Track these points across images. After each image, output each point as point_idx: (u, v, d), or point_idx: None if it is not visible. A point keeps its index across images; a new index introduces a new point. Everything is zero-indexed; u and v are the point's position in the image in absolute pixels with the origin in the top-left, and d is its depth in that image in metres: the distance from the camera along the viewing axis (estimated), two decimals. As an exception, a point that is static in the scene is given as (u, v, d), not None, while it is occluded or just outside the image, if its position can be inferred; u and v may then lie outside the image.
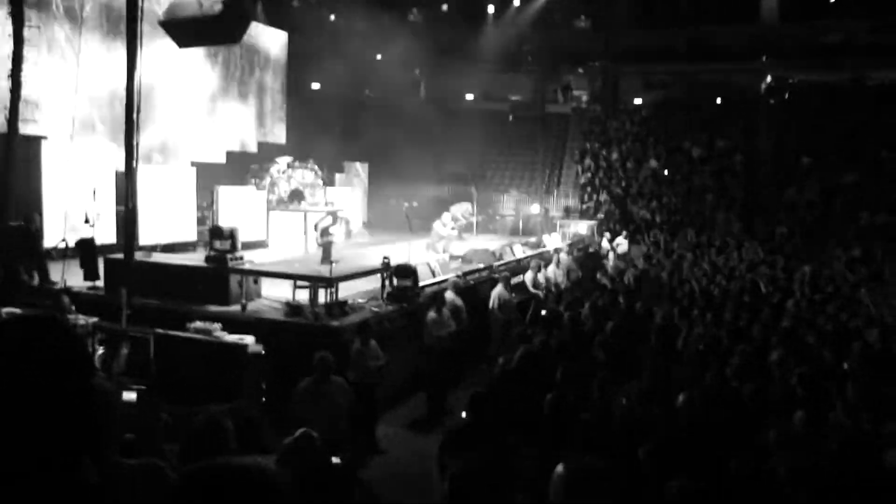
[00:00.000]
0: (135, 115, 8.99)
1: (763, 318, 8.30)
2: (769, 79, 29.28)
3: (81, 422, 1.43)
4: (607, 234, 20.37)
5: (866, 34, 26.73)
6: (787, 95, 28.50)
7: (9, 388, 1.37)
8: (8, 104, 11.73)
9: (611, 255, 17.93)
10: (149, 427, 3.92)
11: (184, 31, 8.90)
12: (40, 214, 11.87)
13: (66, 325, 1.67)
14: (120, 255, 9.74)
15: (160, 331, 7.66)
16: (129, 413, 4.14)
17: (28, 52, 12.05)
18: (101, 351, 7.57)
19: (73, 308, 8.29)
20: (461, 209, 19.44)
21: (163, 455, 3.70)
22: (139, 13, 8.89)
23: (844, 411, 4.89)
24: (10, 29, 11.94)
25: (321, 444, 3.91)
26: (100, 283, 10.05)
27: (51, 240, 11.45)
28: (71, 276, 10.00)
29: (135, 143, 9.05)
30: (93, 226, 10.56)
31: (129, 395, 6.06)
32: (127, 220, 9.50)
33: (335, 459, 4.01)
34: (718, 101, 28.92)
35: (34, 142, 12.96)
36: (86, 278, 10.10)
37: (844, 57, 26.95)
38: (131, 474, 1.63)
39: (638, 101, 30.29)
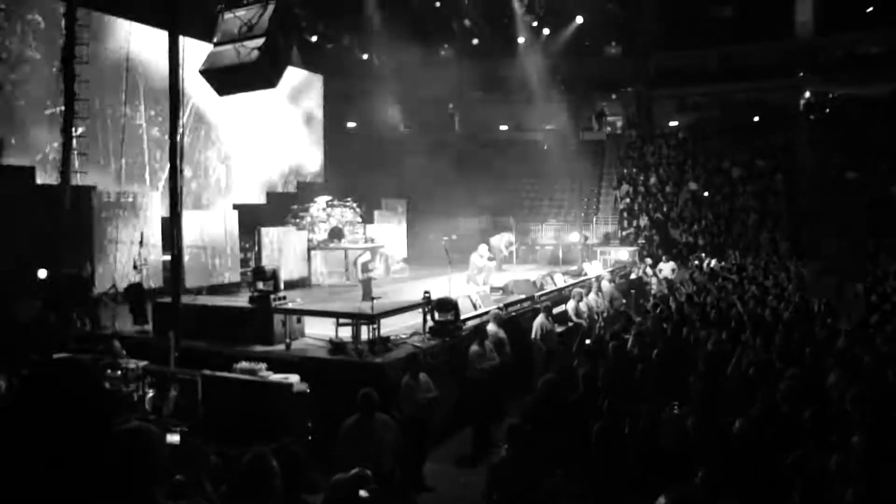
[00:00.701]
0: (178, 162, 9.28)
1: (816, 340, 8.04)
2: (807, 94, 28.78)
3: (104, 462, 1.46)
4: (648, 260, 20.08)
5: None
6: (826, 110, 27.94)
7: (30, 429, 1.41)
8: (60, 156, 12.23)
9: (654, 280, 17.65)
10: (193, 468, 3.95)
11: (223, 79, 9.18)
12: (91, 261, 12.25)
13: (87, 367, 1.72)
14: (167, 299, 9.97)
15: (207, 372, 7.78)
16: (175, 455, 4.18)
17: (79, 106, 12.57)
18: (150, 394, 7.71)
19: (124, 352, 8.48)
20: (503, 240, 19.42)
21: (208, 496, 3.72)
22: (180, 62, 9.24)
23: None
24: (61, 85, 12.49)
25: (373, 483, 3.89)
26: (148, 326, 10.28)
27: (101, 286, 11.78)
28: (121, 321, 10.25)
29: (179, 188, 9.32)
30: (141, 271, 10.84)
31: (173, 437, 6.15)
32: (173, 265, 9.74)
33: (363, 493, 3.97)
34: (756, 119, 28.50)
35: (84, 191, 13.44)
36: (135, 322, 10.35)
37: (884, 68, 26.35)
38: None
39: (673, 123, 30.06)
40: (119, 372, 7.84)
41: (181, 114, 9.36)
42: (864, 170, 24.01)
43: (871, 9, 27.05)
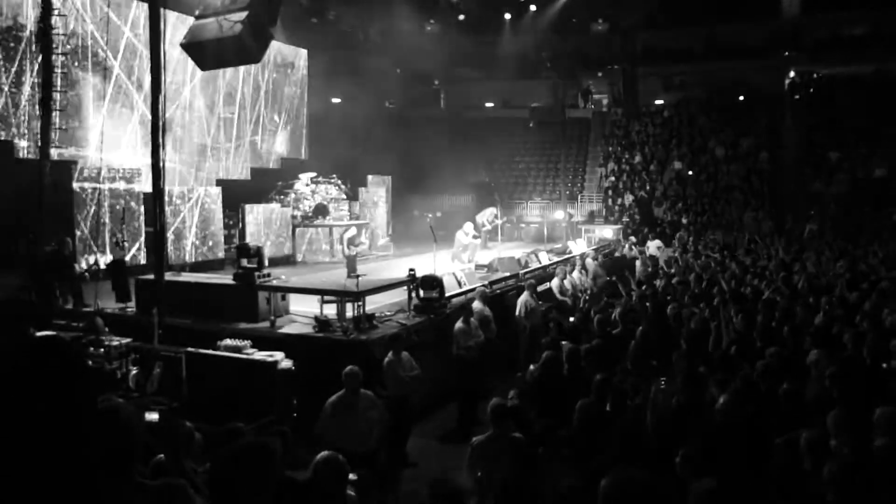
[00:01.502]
0: (160, 137, 9.14)
1: (797, 318, 8.13)
2: (792, 74, 28.86)
3: (87, 440, 1.45)
4: (632, 238, 20.18)
5: (892, 24, 26.21)
6: (811, 90, 28.06)
7: (15, 408, 1.39)
8: (38, 131, 12.00)
9: (638, 258, 17.75)
10: (173, 446, 3.94)
11: (205, 53, 9.03)
12: (72, 238, 12.11)
13: (70, 345, 1.71)
14: (150, 276, 9.90)
15: (191, 350, 7.76)
16: (154, 433, 4.18)
17: (58, 80, 12.33)
18: (134, 371, 7.68)
19: (107, 330, 8.43)
20: (486, 215, 19.42)
21: (189, 475, 3.72)
22: (162, 33, 9.06)
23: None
24: (38, 56, 12.23)
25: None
26: (132, 304, 10.21)
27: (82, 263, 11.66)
28: (103, 298, 10.17)
29: (161, 164, 9.19)
30: (122, 248, 10.74)
31: (152, 415, 6.14)
32: (156, 241, 9.65)
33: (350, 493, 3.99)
34: (741, 98, 28.58)
35: (64, 167, 13.23)
36: (118, 300, 10.28)
37: (870, 48, 26.46)
38: (153, 494, 1.65)
39: (659, 102, 30.07)
40: (102, 349, 7.79)
41: (163, 87, 9.18)
42: (847, 150, 24.20)
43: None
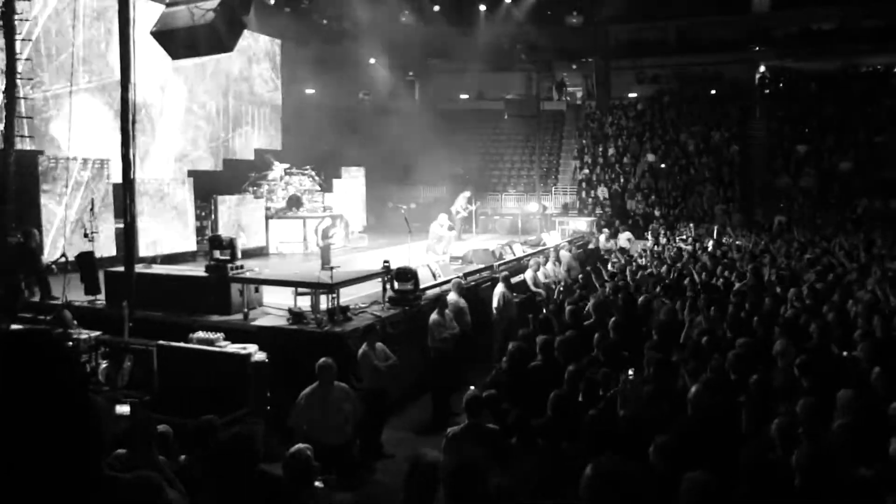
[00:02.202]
0: (130, 126, 8.99)
1: (765, 309, 8.29)
2: (762, 68, 29.28)
3: (77, 438, 1.43)
4: (606, 230, 20.36)
5: (859, 19, 26.71)
6: (780, 84, 28.50)
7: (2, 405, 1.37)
8: (3, 119, 11.71)
9: (612, 250, 17.92)
10: (144, 440, 3.89)
11: (176, 41, 8.89)
12: (39, 230, 11.86)
13: (60, 341, 1.67)
14: (120, 268, 9.74)
15: (163, 343, 7.66)
16: (125, 426, 4.12)
17: (22, 66, 12.03)
18: (104, 365, 7.57)
19: (75, 323, 8.29)
20: (460, 201, 19.42)
21: (159, 468, 3.69)
22: (131, 19, 8.88)
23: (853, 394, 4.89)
24: (1, 42, 11.91)
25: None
26: (101, 296, 10.04)
27: (50, 254, 11.44)
28: (72, 291, 9.99)
29: (132, 154, 9.04)
30: (92, 240, 10.56)
31: (123, 409, 6.07)
32: (126, 233, 9.49)
33: (318, 483, 4.00)
34: (713, 92, 28.93)
35: (30, 156, 12.94)
36: (87, 292, 10.10)
37: (838, 44, 26.94)
38: (125, 488, 1.63)
39: (632, 95, 30.31)
40: (70, 343, 7.66)
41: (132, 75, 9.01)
42: (814, 143, 24.65)
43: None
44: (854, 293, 9.23)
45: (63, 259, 10.46)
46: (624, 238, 18.68)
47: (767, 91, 28.55)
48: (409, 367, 8.82)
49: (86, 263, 10.30)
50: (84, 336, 7.83)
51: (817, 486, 3.59)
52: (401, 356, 8.02)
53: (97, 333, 7.99)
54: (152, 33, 8.97)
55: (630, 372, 5.68)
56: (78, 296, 10.03)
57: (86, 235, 10.57)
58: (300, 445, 3.92)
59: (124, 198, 9.26)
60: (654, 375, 5.70)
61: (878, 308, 8.01)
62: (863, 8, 26.22)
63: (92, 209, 11.74)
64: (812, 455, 3.66)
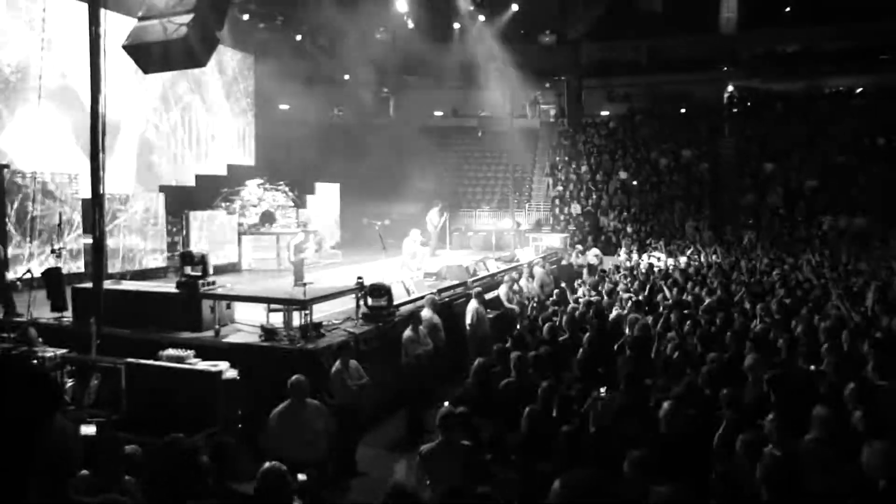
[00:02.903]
0: (100, 141, 8.86)
1: (735, 325, 8.40)
2: (731, 88, 29.94)
3: (41, 462, 1.40)
4: (578, 247, 20.51)
5: (823, 42, 27.50)
6: (748, 103, 29.16)
7: None
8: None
9: (585, 267, 18.04)
10: (111, 460, 3.78)
11: (149, 55, 8.79)
12: (4, 245, 11.62)
13: (32, 362, 1.64)
14: (88, 285, 9.56)
15: (131, 360, 7.52)
16: (91, 447, 4.00)
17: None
18: (70, 383, 7.40)
19: (41, 340, 8.10)
20: (431, 215, 19.43)
21: (127, 489, 3.60)
22: (101, 32, 8.77)
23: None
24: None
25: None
26: (68, 313, 9.84)
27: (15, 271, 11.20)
28: (38, 308, 9.78)
29: (101, 169, 8.90)
30: (59, 256, 10.36)
31: (89, 429, 5.92)
32: (95, 249, 9.32)
33: (301, 477, 3.95)
34: (683, 110, 29.49)
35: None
36: (53, 309, 9.88)
37: (802, 65, 27.71)
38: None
39: (604, 113, 30.74)
40: (35, 361, 7.48)
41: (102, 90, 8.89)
42: (781, 162, 25.18)
43: (788, 8, 28.43)
44: (822, 308, 9.41)
45: (29, 275, 10.24)
46: (592, 255, 18.83)
47: (735, 110, 29.19)
48: (383, 383, 8.77)
49: (52, 280, 10.09)
50: (49, 354, 7.65)
51: (783, 498, 3.63)
52: (374, 373, 7.96)
53: (63, 351, 7.81)
54: (124, 47, 8.86)
55: (602, 389, 5.71)
56: (44, 312, 9.81)
57: (53, 251, 10.37)
58: (274, 462, 3.86)
59: (93, 213, 9.10)
60: (625, 390, 5.74)
61: (844, 323, 8.18)
62: (826, 31, 27.01)
63: (60, 224, 11.55)
64: (774, 467, 3.71)
